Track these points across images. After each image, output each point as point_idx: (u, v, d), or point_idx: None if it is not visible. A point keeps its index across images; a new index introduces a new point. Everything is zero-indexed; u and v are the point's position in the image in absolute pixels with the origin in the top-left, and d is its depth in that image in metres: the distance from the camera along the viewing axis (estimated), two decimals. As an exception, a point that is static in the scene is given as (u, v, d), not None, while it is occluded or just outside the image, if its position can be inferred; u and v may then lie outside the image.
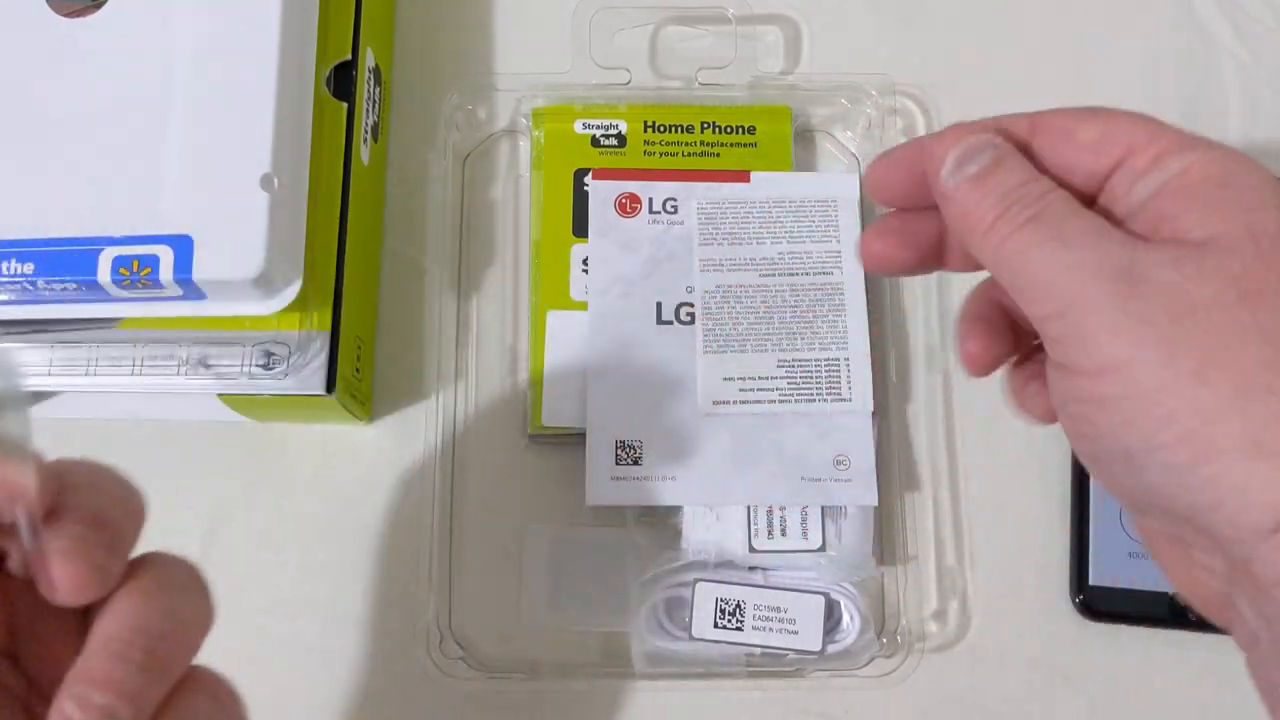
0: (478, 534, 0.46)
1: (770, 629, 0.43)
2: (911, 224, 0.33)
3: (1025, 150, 0.31)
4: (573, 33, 0.49)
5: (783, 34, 0.52)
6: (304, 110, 0.42)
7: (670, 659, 0.44)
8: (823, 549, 0.43)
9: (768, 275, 0.46)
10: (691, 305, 0.46)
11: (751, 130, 0.49)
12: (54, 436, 0.47)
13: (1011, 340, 0.34)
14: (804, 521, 0.44)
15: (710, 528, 0.44)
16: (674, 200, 0.47)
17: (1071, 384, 0.28)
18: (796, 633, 0.43)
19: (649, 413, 0.45)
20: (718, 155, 0.48)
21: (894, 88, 0.50)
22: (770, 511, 0.44)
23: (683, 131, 0.49)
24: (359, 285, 0.45)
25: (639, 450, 0.44)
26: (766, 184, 0.48)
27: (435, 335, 0.47)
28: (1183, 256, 0.27)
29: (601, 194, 0.48)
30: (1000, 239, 0.29)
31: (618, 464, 0.44)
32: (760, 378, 0.45)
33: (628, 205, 0.47)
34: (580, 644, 0.46)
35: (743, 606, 0.43)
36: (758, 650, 0.43)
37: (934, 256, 0.33)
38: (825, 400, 0.45)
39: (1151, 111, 0.51)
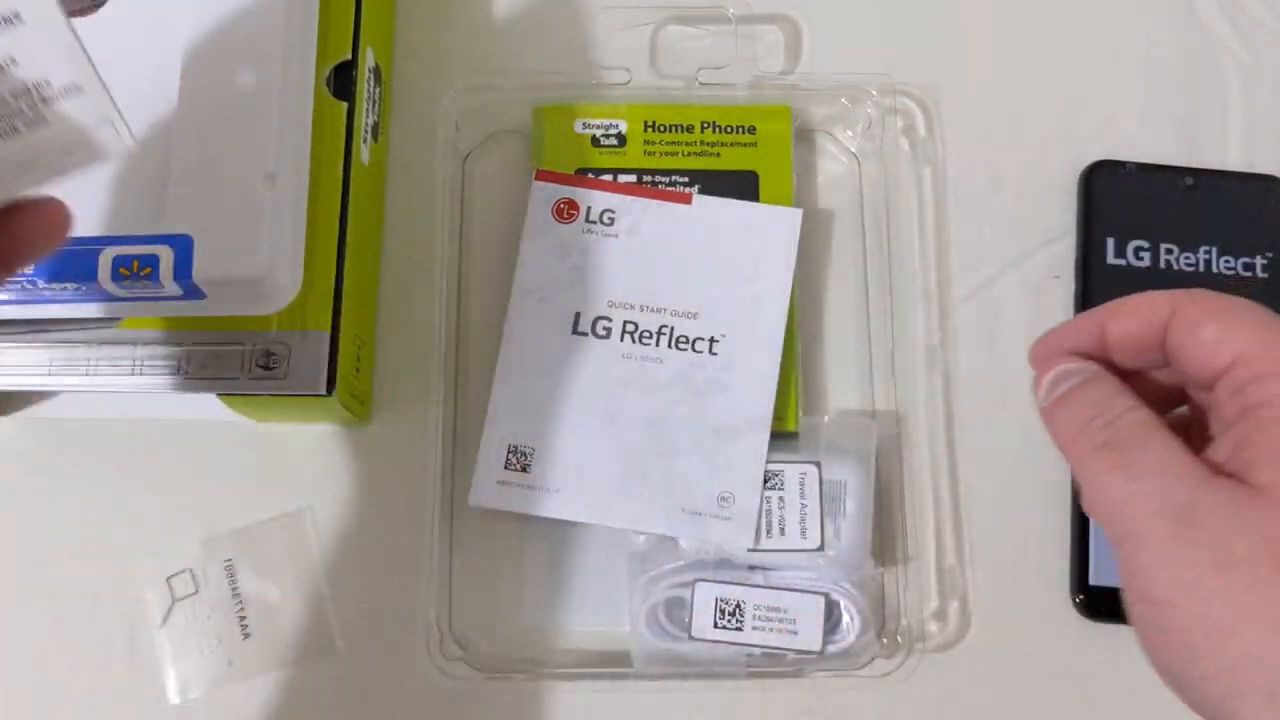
0: (478, 534, 0.46)
1: (770, 629, 0.43)
2: None
3: (1162, 330, 0.32)
4: (573, 32, 0.49)
5: (783, 34, 0.52)
6: (304, 110, 0.42)
7: (670, 659, 0.44)
8: (821, 549, 0.43)
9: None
10: (609, 320, 0.46)
11: (752, 130, 0.49)
12: (54, 436, 0.47)
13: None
14: (803, 520, 0.44)
15: (710, 527, 0.44)
16: (612, 212, 0.47)
17: (1130, 600, 0.30)
18: (796, 633, 0.43)
19: (546, 421, 0.45)
20: (718, 155, 0.48)
21: (894, 88, 0.50)
22: (769, 510, 0.44)
23: (683, 131, 0.49)
24: (359, 285, 0.45)
25: (529, 457, 0.44)
26: (707, 209, 0.47)
27: (435, 335, 0.47)
28: (1239, 501, 0.28)
29: (542, 196, 0.47)
30: (1078, 458, 0.31)
31: (506, 468, 0.45)
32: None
33: (565, 210, 0.47)
34: (580, 644, 0.46)
35: (742, 606, 0.43)
36: (757, 650, 0.43)
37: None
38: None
39: (1151, 112, 0.52)
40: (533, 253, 0.47)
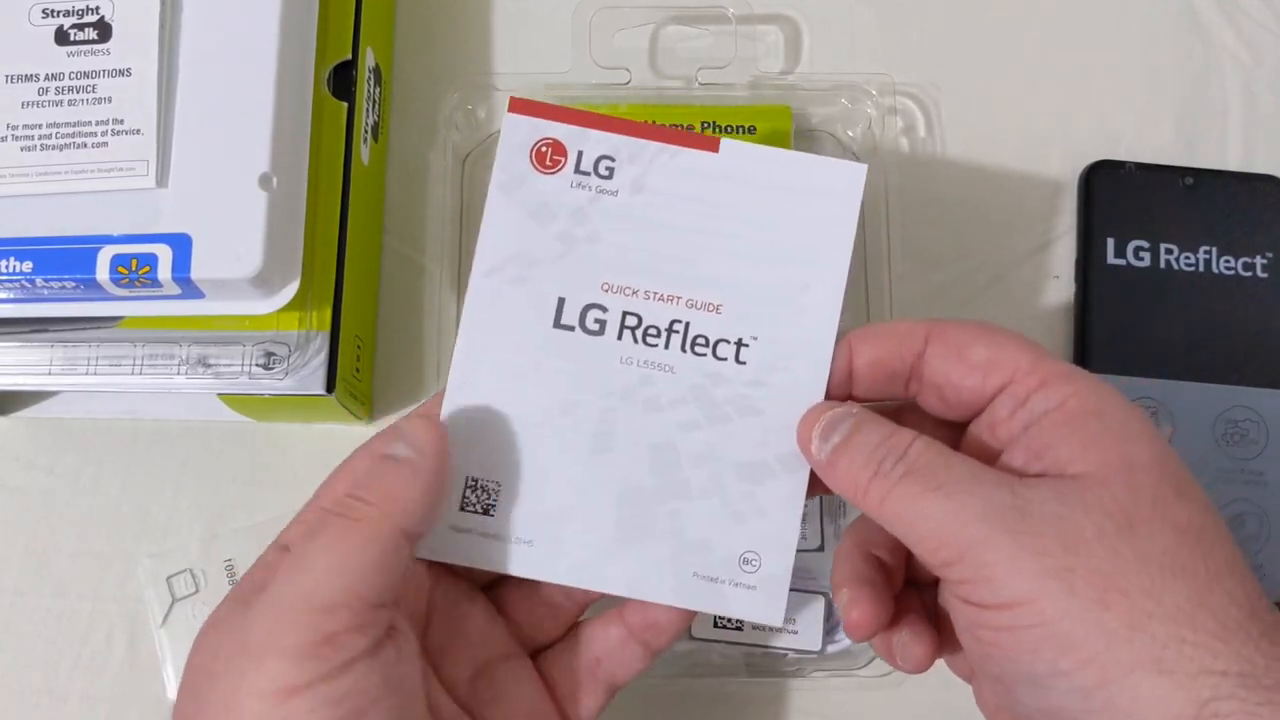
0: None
1: (770, 629, 0.43)
2: (874, 575, 0.34)
3: (919, 358, 0.33)
4: (573, 33, 0.49)
5: (783, 34, 0.52)
6: (303, 110, 0.42)
7: (670, 659, 0.44)
8: (821, 549, 0.43)
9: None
10: (604, 310, 0.35)
11: (752, 130, 0.49)
12: (54, 436, 0.47)
13: (890, 596, 0.34)
14: (803, 522, 0.43)
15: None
16: (610, 160, 0.36)
17: (978, 616, 0.29)
18: (796, 633, 0.43)
19: (518, 447, 0.34)
20: (718, 155, 0.47)
21: (894, 88, 0.50)
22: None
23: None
24: (359, 285, 0.45)
25: (493, 495, 0.34)
26: (739, 160, 0.36)
27: (435, 335, 0.47)
28: (1064, 491, 0.29)
29: (516, 135, 0.36)
30: (881, 496, 0.31)
31: (463, 509, 0.34)
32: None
33: (547, 156, 0.36)
34: (580, 644, 0.46)
35: (742, 606, 0.43)
36: (758, 650, 0.43)
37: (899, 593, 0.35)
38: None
39: (1151, 111, 0.52)
40: (502, 214, 0.35)
